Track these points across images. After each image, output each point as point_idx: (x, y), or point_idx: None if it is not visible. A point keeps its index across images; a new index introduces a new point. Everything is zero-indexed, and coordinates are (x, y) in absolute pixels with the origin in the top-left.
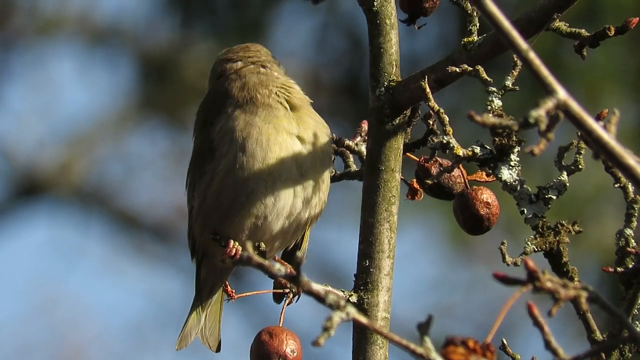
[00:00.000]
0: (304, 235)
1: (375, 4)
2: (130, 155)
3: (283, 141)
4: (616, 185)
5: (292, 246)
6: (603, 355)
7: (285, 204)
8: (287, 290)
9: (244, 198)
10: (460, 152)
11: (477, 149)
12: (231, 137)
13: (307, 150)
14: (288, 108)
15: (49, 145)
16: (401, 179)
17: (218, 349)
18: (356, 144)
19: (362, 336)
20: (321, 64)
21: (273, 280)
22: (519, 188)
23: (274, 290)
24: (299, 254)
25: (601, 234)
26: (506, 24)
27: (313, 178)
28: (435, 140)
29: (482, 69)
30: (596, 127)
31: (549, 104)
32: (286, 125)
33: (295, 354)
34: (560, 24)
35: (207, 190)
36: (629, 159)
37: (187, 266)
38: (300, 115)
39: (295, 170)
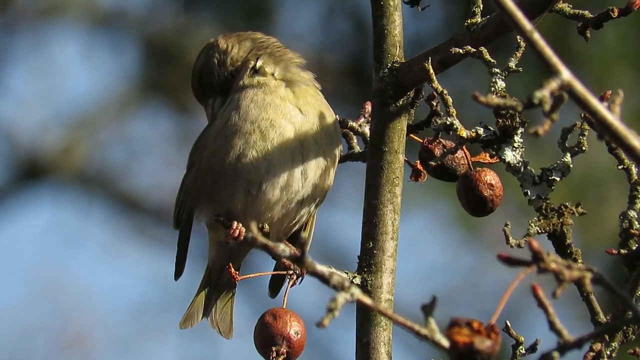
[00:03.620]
0: (309, 217)
1: None
2: (132, 138)
3: (280, 106)
4: (619, 167)
5: (297, 229)
6: (607, 336)
7: (280, 171)
8: (290, 272)
9: (234, 159)
10: (464, 133)
11: (481, 131)
12: (228, 104)
13: (309, 122)
14: (290, 89)
15: (52, 128)
16: (405, 160)
17: (230, 335)
18: (360, 125)
19: (365, 318)
20: (326, 47)
21: (275, 263)
22: (522, 169)
23: (277, 272)
24: (303, 234)
25: (607, 216)
26: (510, 4)
27: (315, 152)
28: (439, 121)
29: (486, 50)
30: (600, 107)
31: (553, 84)
32: (287, 96)
33: (299, 335)
34: (564, 6)
35: (202, 152)
36: (634, 139)
37: (191, 250)
38: (303, 93)
39: (294, 139)
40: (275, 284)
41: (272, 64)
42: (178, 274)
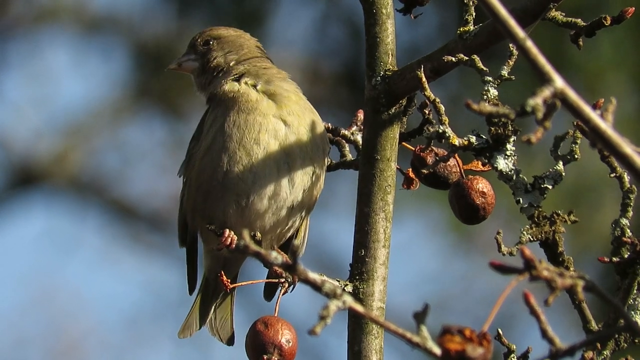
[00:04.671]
0: (301, 225)
1: None
2: (126, 145)
3: (264, 123)
4: (612, 175)
5: (290, 236)
6: (599, 345)
7: (267, 182)
8: (282, 280)
9: (221, 175)
10: (456, 141)
11: (473, 139)
12: (212, 121)
13: (293, 133)
14: (272, 100)
15: (46, 135)
16: (397, 168)
17: (231, 342)
18: (352, 133)
19: (357, 326)
20: (320, 54)
21: (267, 271)
22: (514, 177)
23: (270, 280)
24: (295, 242)
25: (601, 223)
26: (503, 12)
27: (301, 159)
28: (431, 129)
29: (478, 58)
30: (593, 115)
31: (546, 92)
32: (270, 110)
33: (290, 343)
34: (557, 14)
35: (191, 171)
36: (626, 147)
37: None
38: (286, 102)
39: (279, 150)
40: (270, 289)
41: (253, 77)
42: (191, 288)
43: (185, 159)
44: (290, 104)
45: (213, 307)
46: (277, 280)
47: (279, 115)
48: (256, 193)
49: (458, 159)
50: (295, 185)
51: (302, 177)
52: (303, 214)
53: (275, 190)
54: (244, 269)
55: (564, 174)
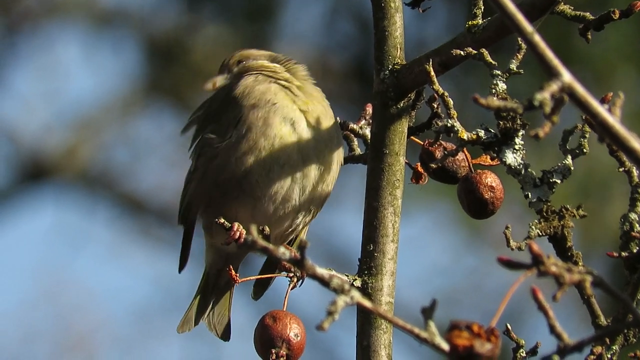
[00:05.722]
0: (304, 227)
1: None
2: (136, 139)
3: (291, 114)
4: (620, 169)
5: (292, 237)
6: (607, 340)
7: (281, 186)
8: (291, 275)
9: (240, 174)
10: (465, 135)
11: (482, 133)
12: (239, 116)
13: (314, 144)
14: (299, 95)
15: (55, 129)
16: (405, 162)
17: (227, 338)
18: (360, 128)
19: (366, 321)
20: (329, 48)
21: (270, 267)
22: (523, 172)
23: (278, 275)
24: (303, 237)
25: (610, 218)
26: (511, 6)
27: (317, 169)
28: (440, 123)
29: (487, 52)
30: (601, 110)
31: (554, 86)
32: (295, 106)
33: (299, 338)
34: (565, 7)
35: (211, 161)
36: (634, 142)
37: (194, 251)
38: (311, 99)
39: (296, 143)
40: (260, 286)
41: (284, 71)
42: (182, 267)
43: (198, 143)
44: (315, 102)
45: (212, 303)
46: (286, 275)
47: (304, 111)
48: (271, 197)
49: (467, 153)
50: (306, 192)
51: (314, 183)
52: (308, 218)
53: (287, 195)
54: (249, 262)
55: (572, 168)
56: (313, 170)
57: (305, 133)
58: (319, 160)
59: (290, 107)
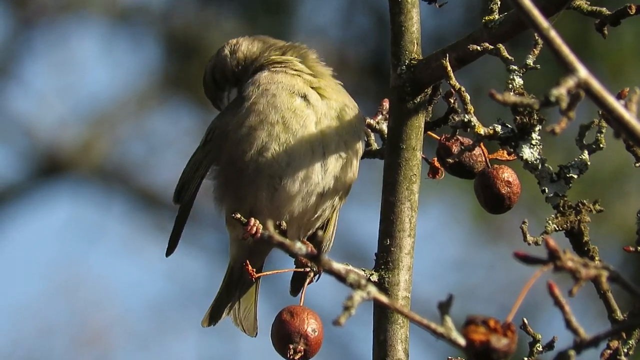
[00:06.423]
0: (331, 216)
1: None
2: (152, 133)
3: (303, 89)
4: (637, 165)
5: (319, 225)
6: (624, 334)
7: (301, 165)
8: (308, 270)
9: (256, 153)
10: (482, 130)
11: (498, 128)
12: (251, 84)
13: (330, 113)
14: (313, 77)
15: (71, 124)
16: (422, 157)
17: (253, 333)
18: (377, 123)
19: (382, 315)
20: (346, 43)
21: (294, 260)
22: (540, 167)
23: (295, 269)
24: (320, 232)
25: (626, 213)
26: (527, 2)
27: (336, 142)
28: (457, 118)
29: (503, 47)
30: (617, 105)
31: (570, 82)
32: (311, 83)
33: (316, 333)
34: (581, 3)
35: (223, 143)
36: None
37: (210, 245)
38: (325, 81)
39: (316, 130)
40: (297, 282)
41: (294, 53)
42: (170, 250)
43: (215, 123)
44: (330, 82)
45: (237, 297)
46: (302, 270)
47: (317, 88)
48: (289, 176)
49: (483, 148)
50: (328, 171)
51: (335, 162)
52: (335, 201)
53: (307, 173)
54: (272, 258)
55: (589, 163)
56: (334, 147)
57: (321, 106)
58: (340, 137)
59: (299, 84)
